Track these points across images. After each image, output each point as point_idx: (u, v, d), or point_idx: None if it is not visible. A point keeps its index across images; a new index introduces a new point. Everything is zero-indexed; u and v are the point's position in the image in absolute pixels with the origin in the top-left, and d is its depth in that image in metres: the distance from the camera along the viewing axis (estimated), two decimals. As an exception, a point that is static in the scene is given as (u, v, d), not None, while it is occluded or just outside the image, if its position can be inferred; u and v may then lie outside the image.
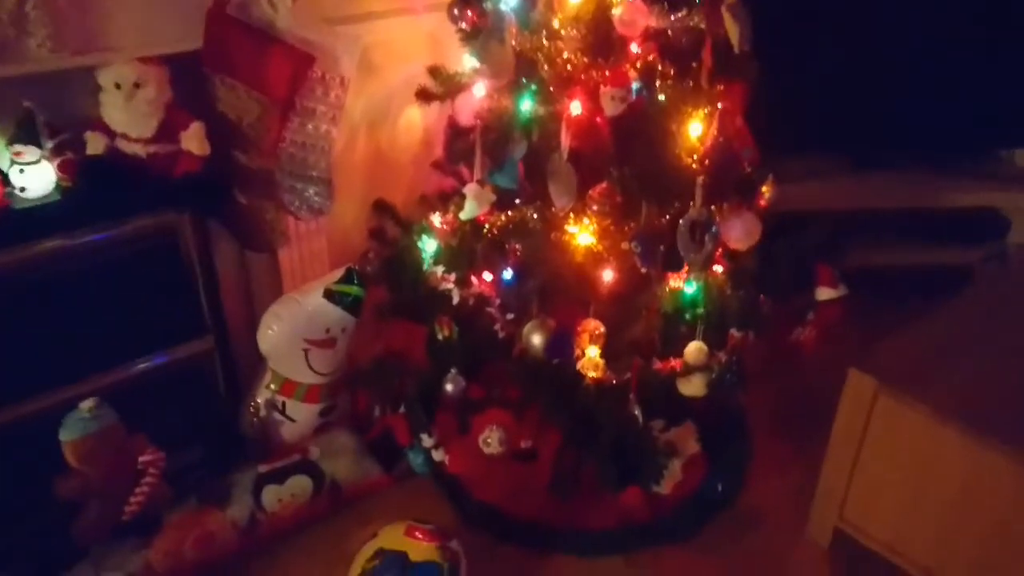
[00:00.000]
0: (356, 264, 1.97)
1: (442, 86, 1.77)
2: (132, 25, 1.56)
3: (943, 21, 2.46)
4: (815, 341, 1.85)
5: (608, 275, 1.63)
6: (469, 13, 1.69)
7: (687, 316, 1.68)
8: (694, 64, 1.58)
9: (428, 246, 1.81)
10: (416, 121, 2.15)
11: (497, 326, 1.75)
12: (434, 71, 1.78)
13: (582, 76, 1.56)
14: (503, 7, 1.55)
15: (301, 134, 1.79)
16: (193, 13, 1.62)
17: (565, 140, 1.54)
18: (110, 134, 1.59)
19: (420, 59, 1.97)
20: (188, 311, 1.77)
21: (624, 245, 1.57)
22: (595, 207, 1.56)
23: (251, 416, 1.88)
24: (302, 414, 1.93)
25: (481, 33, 1.58)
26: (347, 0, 1.86)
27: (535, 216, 1.65)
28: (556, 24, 1.60)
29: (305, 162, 1.82)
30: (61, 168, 1.53)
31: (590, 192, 1.57)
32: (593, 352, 1.63)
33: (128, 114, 1.56)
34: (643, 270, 1.58)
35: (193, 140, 1.60)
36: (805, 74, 1.89)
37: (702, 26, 1.50)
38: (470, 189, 1.67)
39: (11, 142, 1.49)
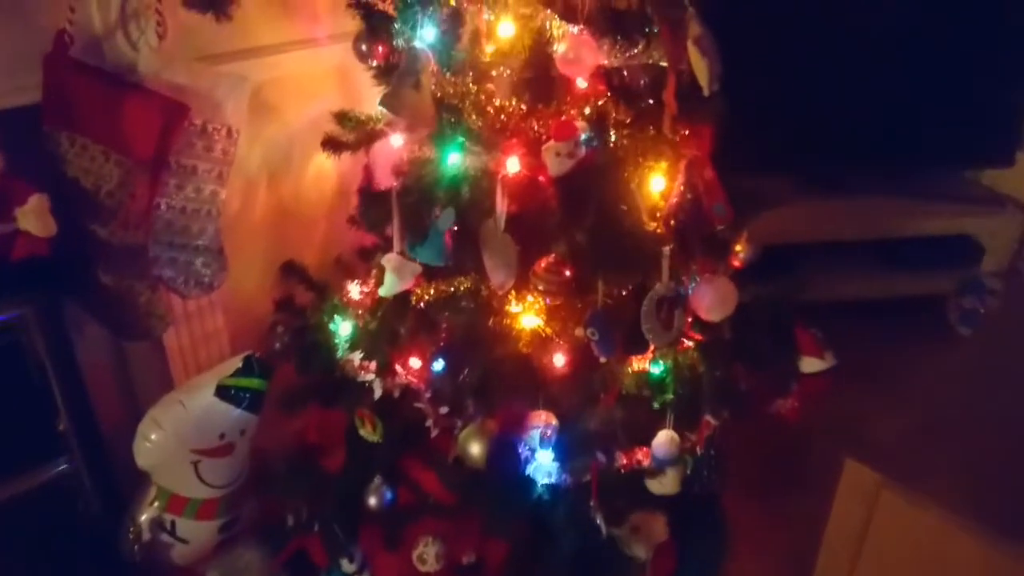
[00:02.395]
0: (262, 342, 1.66)
1: (353, 133, 1.47)
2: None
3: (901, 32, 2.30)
4: (798, 412, 1.61)
5: (559, 360, 1.35)
6: (380, 48, 1.41)
7: (654, 403, 1.41)
8: (646, 105, 1.32)
9: (342, 329, 1.49)
10: (328, 168, 1.83)
11: (429, 422, 1.45)
12: (342, 117, 1.47)
13: (519, 126, 1.28)
14: (418, 44, 1.23)
15: (179, 198, 1.47)
16: (25, 58, 1.28)
17: (501, 204, 1.25)
18: (-80, 216, 1.25)
19: (328, 96, 1.70)
20: (42, 428, 1.42)
21: (578, 331, 1.29)
22: (541, 286, 1.28)
23: (132, 541, 1.54)
24: (196, 533, 1.60)
25: (394, 75, 1.29)
26: (230, 33, 1.53)
27: (467, 293, 1.36)
28: (485, 60, 1.32)
29: (187, 230, 1.50)
30: None
31: (534, 267, 1.29)
32: (545, 456, 1.35)
33: (-58, 190, 1.23)
34: (602, 359, 1.31)
35: (31, 218, 1.26)
36: (756, 90, 1.68)
37: (663, 63, 1.23)
38: (389, 260, 1.37)
39: None
